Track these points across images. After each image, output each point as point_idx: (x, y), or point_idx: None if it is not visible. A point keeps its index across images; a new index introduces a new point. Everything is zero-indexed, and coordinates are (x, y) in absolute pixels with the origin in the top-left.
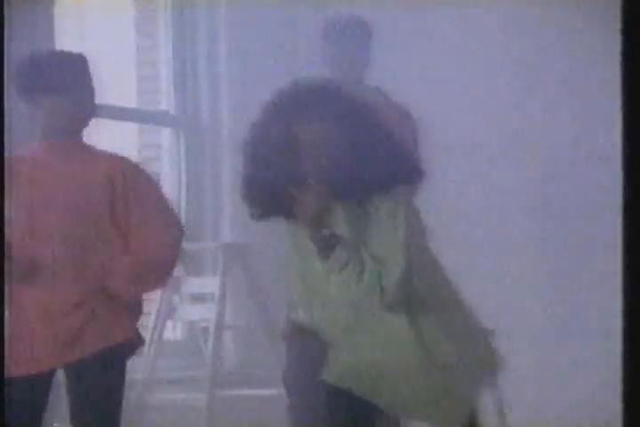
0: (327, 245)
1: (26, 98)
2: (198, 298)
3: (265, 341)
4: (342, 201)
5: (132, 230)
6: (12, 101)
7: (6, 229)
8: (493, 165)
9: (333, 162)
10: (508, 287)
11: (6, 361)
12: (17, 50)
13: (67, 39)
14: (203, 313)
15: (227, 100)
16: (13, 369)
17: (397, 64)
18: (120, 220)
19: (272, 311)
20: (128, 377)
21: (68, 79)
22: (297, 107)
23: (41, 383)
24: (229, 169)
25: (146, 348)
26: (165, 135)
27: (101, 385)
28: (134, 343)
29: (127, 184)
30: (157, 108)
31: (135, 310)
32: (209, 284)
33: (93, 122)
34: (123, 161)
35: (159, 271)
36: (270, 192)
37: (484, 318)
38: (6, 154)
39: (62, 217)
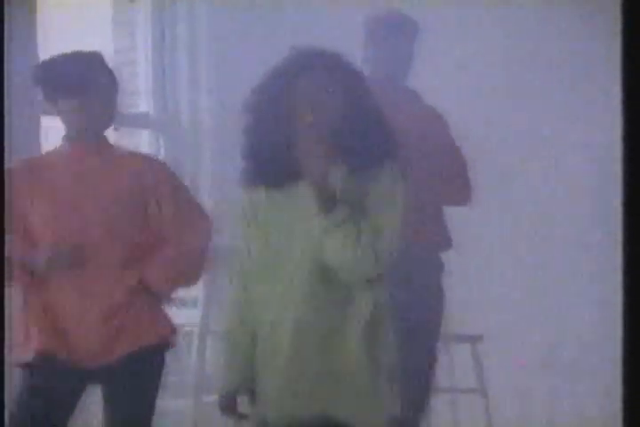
0: (329, 201)
1: (51, 101)
2: (181, 302)
3: None
4: (341, 166)
5: (165, 226)
6: (12, 103)
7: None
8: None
9: (333, 122)
10: (502, 290)
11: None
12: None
13: (46, 40)
14: (185, 317)
15: (207, 103)
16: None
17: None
18: (153, 217)
19: None
20: None
21: (91, 80)
22: (297, 66)
23: (76, 382)
24: (209, 171)
25: None
26: (144, 137)
27: (137, 384)
28: (171, 336)
29: (157, 182)
30: (136, 111)
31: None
32: (192, 287)
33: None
34: (149, 159)
35: (193, 265)
36: (273, 151)
37: (477, 321)
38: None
39: (96, 216)
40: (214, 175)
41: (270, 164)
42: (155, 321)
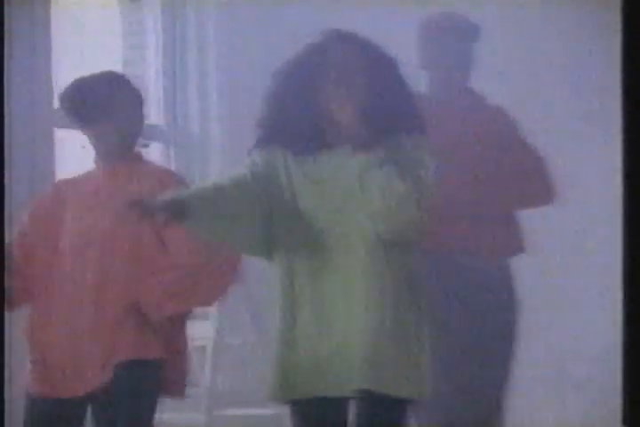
0: (368, 142)
1: (78, 124)
2: (191, 314)
3: (262, 359)
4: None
5: (171, 245)
6: (13, 103)
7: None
8: None
9: (362, 92)
10: None
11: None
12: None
13: (58, 55)
14: (196, 330)
15: (217, 114)
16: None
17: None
18: (162, 235)
19: (269, 329)
20: None
21: (116, 102)
22: (329, 41)
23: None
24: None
25: None
26: (155, 150)
27: (128, 403)
28: (170, 372)
29: None
30: (146, 123)
31: (169, 334)
32: None
33: (80, 137)
34: (163, 176)
35: (201, 287)
36: (303, 118)
37: None
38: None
39: (104, 234)
40: None
41: (301, 130)
42: (138, 342)
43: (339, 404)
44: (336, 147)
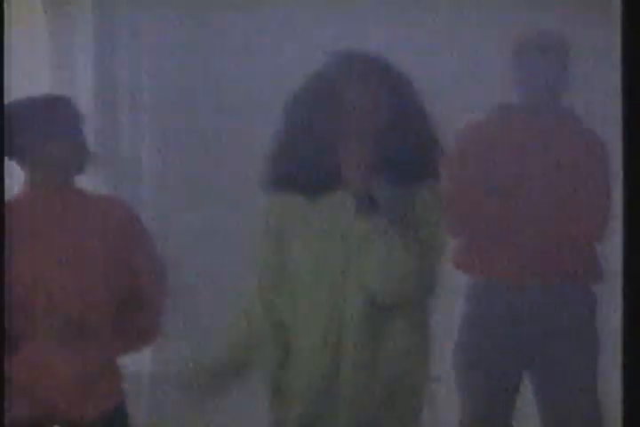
0: (370, 207)
1: (12, 148)
2: None
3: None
4: (382, 177)
5: (133, 274)
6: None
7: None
8: None
9: (376, 129)
10: None
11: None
12: None
13: None
14: (131, 358)
15: (148, 139)
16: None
17: None
18: (121, 266)
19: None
20: None
21: (55, 125)
22: (344, 70)
23: None
24: (150, 206)
25: None
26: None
27: None
28: None
29: (125, 230)
30: None
31: None
32: None
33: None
34: (117, 206)
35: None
36: (312, 157)
37: None
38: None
39: (72, 267)
40: (155, 209)
41: (309, 170)
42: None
43: None
44: (339, 198)
